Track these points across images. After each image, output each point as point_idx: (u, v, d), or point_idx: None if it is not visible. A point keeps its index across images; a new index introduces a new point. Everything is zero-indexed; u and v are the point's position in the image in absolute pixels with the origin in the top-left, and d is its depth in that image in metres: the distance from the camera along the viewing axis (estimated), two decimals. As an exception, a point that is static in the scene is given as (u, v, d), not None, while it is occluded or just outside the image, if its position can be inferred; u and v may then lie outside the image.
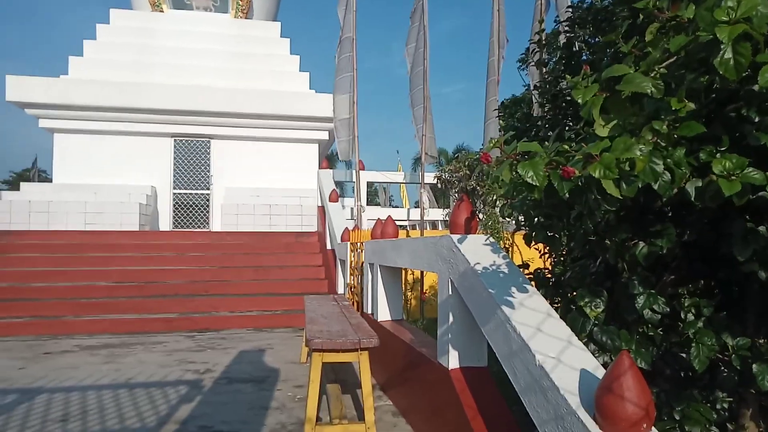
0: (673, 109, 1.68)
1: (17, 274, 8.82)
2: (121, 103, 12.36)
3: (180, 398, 4.38)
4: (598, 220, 2.22)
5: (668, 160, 1.69)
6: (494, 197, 6.99)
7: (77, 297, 8.38)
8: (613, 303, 2.33)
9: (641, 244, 2.14)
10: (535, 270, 2.98)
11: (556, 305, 2.73)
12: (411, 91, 9.64)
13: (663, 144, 1.69)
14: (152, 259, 9.74)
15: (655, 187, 1.68)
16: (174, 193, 13.19)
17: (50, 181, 13.51)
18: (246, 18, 14.98)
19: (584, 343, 2.13)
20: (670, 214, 2.24)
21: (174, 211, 13.19)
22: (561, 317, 2.25)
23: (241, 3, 14.79)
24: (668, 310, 2.15)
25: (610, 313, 2.32)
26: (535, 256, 3.86)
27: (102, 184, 12.41)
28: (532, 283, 2.79)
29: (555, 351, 1.98)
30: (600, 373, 1.81)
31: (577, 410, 1.68)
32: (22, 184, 12.64)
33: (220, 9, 14.88)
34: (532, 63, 4.67)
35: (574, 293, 2.45)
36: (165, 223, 13.02)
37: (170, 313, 8.15)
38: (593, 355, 2.05)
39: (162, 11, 14.35)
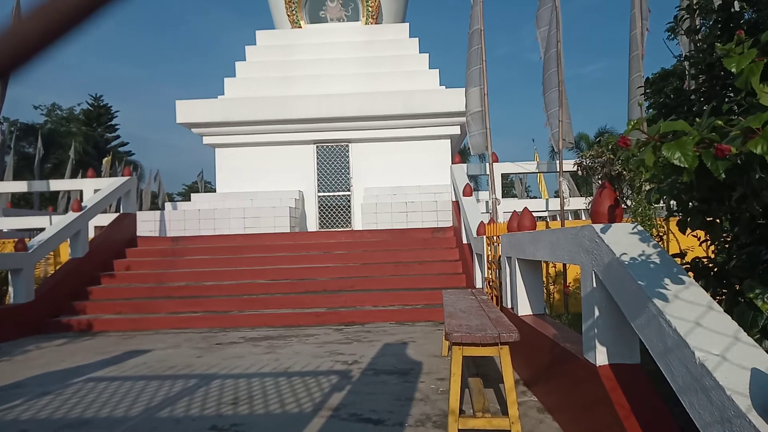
0: None
1: (192, 274, 10.07)
2: (270, 116, 13.53)
3: (331, 387, 4.69)
4: (767, 200, 1.96)
5: None
6: (641, 181, 6.44)
7: (241, 294, 9.34)
8: (791, 294, 2.05)
9: (825, 226, 1.85)
10: (693, 259, 2.71)
11: (719, 298, 2.46)
12: (544, 76, 9.24)
13: None
14: (302, 258, 10.51)
15: (838, 159, 1.45)
16: (318, 196, 14.11)
17: (214, 190, 15.22)
18: (376, 23, 15.48)
19: (756, 340, 1.91)
20: None
21: (319, 213, 14.10)
22: (725, 311, 2.03)
23: (371, 9, 15.32)
24: None
25: (787, 306, 2.04)
26: (694, 244, 3.50)
27: (257, 191, 13.69)
28: (690, 273, 2.55)
29: (719, 347, 1.80)
30: (775, 372, 1.61)
31: (747, 413, 1.51)
32: (192, 195, 14.39)
33: (352, 17, 15.56)
34: (682, 32, 4.23)
35: (742, 284, 2.19)
36: (312, 224, 13.99)
37: (320, 307, 8.73)
38: None
39: (301, 27, 15.40)
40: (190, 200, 14.06)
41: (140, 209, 21.35)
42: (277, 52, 14.98)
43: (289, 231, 12.32)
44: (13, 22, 0.42)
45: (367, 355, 5.96)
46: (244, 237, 11.51)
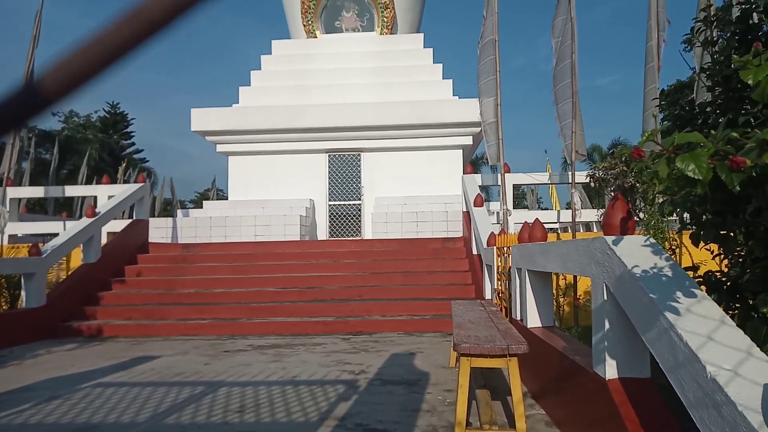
0: None
1: (202, 281, 10.11)
2: (284, 125, 13.62)
3: (338, 396, 4.66)
4: (783, 214, 1.93)
5: None
6: (654, 194, 6.37)
7: (249, 301, 9.36)
8: (807, 310, 2.00)
9: (842, 240, 1.81)
10: (706, 273, 2.67)
11: (732, 312, 2.41)
12: (555, 87, 9.22)
13: None
14: (311, 266, 10.51)
15: None
16: (329, 205, 14.14)
17: (226, 198, 15.32)
18: (391, 33, 15.58)
19: (769, 356, 1.86)
20: None
21: (330, 221, 14.12)
22: (739, 326, 1.99)
23: (386, 19, 15.42)
24: None
25: (802, 322, 2.00)
26: (707, 258, 3.45)
27: (268, 199, 13.75)
28: (702, 287, 2.50)
29: (731, 363, 1.76)
30: (790, 390, 1.57)
31: (759, 429, 1.47)
32: (204, 202, 14.49)
33: (367, 28, 15.67)
34: (698, 43, 4.20)
35: (756, 298, 2.15)
36: (322, 233, 14.01)
37: (328, 316, 8.71)
38: (781, 369, 1.78)
39: (316, 37, 15.54)
40: (202, 207, 14.16)
41: (153, 216, 21.57)
42: (292, 61, 15.11)
43: (299, 239, 12.35)
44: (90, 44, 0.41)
45: (374, 364, 5.92)
46: (255, 245, 11.55)
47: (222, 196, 37.82)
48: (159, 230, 12.50)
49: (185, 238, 12.43)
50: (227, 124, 13.74)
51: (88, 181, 26.17)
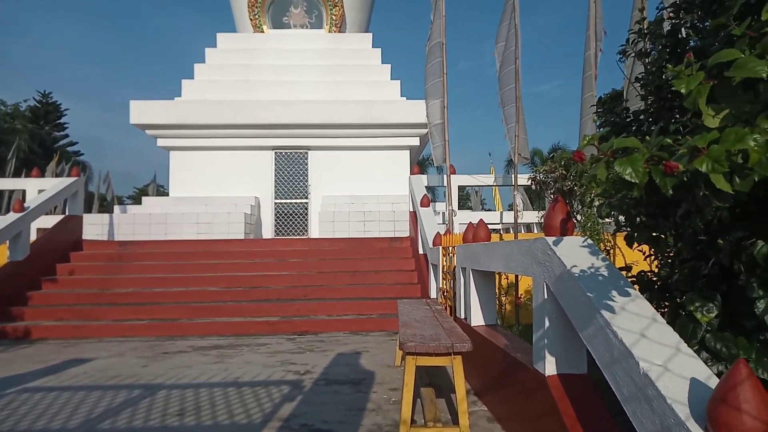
0: (793, 93, 1.53)
1: (140, 281, 9.72)
2: (228, 121, 13.29)
3: (282, 397, 4.59)
4: (709, 218, 2.05)
5: (788, 149, 1.53)
6: (591, 196, 6.65)
7: (191, 301, 9.07)
8: (729, 308, 2.14)
9: (760, 243, 1.95)
10: (639, 273, 2.81)
11: (662, 310, 2.55)
12: (500, 91, 9.47)
13: (782, 132, 1.53)
14: (256, 265, 10.32)
15: (773, 179, 1.53)
16: (275, 203, 13.92)
17: (167, 194, 14.79)
18: (339, 32, 15.51)
19: (695, 351, 1.98)
20: (794, 210, 2.02)
21: (276, 220, 13.90)
22: (668, 323, 2.10)
23: (334, 17, 15.34)
24: (795, 316, 1.94)
25: (724, 319, 2.13)
26: (639, 259, 3.63)
27: (212, 196, 13.38)
28: (636, 286, 2.63)
29: (661, 358, 1.86)
30: (713, 383, 1.67)
31: (686, 421, 1.56)
32: (143, 198, 13.95)
33: (316, 25, 15.53)
34: (632, 54, 4.41)
35: (683, 297, 2.28)
36: (268, 231, 13.77)
37: (273, 316, 8.58)
38: (706, 363, 1.90)
39: (263, 32, 15.25)
40: (140, 204, 13.61)
41: (88, 212, 20.52)
42: (239, 55, 14.77)
43: (243, 238, 12.10)
44: None
45: (319, 364, 5.88)
46: (197, 243, 11.21)
47: (163, 192, 36.51)
48: (94, 227, 11.92)
49: (122, 235, 11.93)
50: (169, 117, 13.26)
51: (17, 174, 24.59)
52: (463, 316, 5.29)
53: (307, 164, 14.06)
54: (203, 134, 13.59)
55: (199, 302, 9.02)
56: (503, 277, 8.50)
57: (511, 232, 11.58)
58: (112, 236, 11.94)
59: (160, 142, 13.78)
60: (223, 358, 6.34)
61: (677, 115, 3.25)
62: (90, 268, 10.19)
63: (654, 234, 2.43)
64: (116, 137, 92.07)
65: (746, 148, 1.44)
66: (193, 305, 8.84)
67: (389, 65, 14.87)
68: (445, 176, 10.39)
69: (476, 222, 5.31)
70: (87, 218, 11.81)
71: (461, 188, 13.94)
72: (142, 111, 13.25)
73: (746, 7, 2.27)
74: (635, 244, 2.54)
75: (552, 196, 9.85)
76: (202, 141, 13.70)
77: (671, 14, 3.63)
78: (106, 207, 28.71)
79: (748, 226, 2.02)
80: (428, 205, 10.19)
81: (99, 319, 8.44)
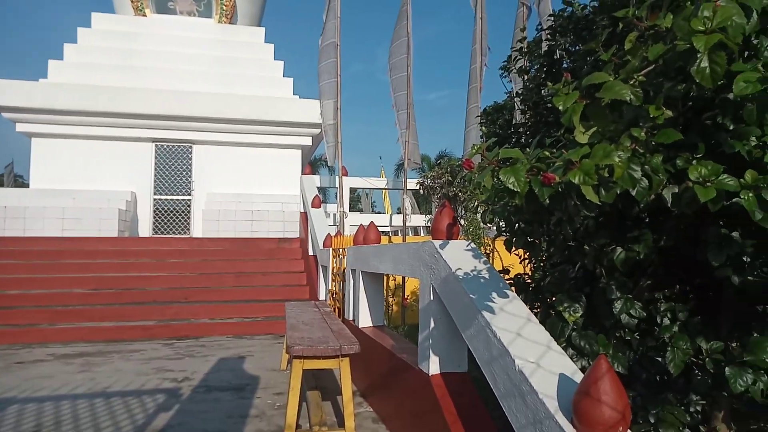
0: (651, 116, 1.71)
1: (-9, 281, 8.61)
2: (101, 108, 12.18)
3: (157, 407, 4.30)
4: (578, 226, 2.24)
5: (646, 166, 1.71)
6: (476, 203, 7.03)
7: (53, 305, 8.20)
8: (592, 308, 2.36)
9: (619, 249, 2.16)
10: (516, 275, 3.00)
11: (536, 310, 2.74)
12: (394, 95, 9.68)
13: (641, 151, 1.71)
14: (131, 265, 9.59)
15: (633, 193, 1.70)
16: (154, 199, 13.02)
17: (27, 186, 13.25)
18: (230, 23, 14.91)
19: (563, 348, 2.15)
20: (647, 220, 2.27)
21: (154, 217, 13.01)
22: (540, 322, 2.27)
23: (225, 8, 14.73)
24: (645, 314, 2.18)
25: (588, 318, 2.34)
26: (515, 262, 3.89)
27: (81, 189, 12.19)
28: (513, 288, 2.80)
29: (534, 356, 1.99)
30: (578, 377, 1.82)
31: (555, 414, 1.68)
32: (-3, 188, 12.37)
33: (204, 14, 14.80)
34: (514, 70, 4.72)
35: (554, 298, 2.47)
36: (145, 229, 12.83)
37: (148, 320, 8.01)
38: (572, 359, 2.07)
39: (145, 15, 14.23)
40: (-7, 195, 12.06)
41: (-76, 202, 17.84)
42: (117, 38, 13.63)
43: (117, 235, 11.17)
44: None
45: (199, 371, 5.60)
46: (62, 240, 10.17)
47: (22, 183, 32.72)
48: (-68, 220, 10.36)
49: (-31, 230, 10.49)
50: (31, 100, 11.87)
51: None
52: (351, 318, 5.32)
53: (191, 159, 13.31)
54: (72, 121, 12.33)
55: (62, 305, 8.17)
56: (391, 278, 8.68)
57: (400, 234, 11.88)
58: (-44, 231, 10.47)
59: (20, 127, 12.29)
60: (89, 366, 5.80)
61: (552, 130, 3.53)
62: (-75, 268, 8.84)
63: (529, 239, 2.61)
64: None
65: (612, 164, 1.59)
66: (55, 309, 8.00)
67: (282, 62, 14.56)
68: (336, 177, 10.40)
69: (367, 224, 5.37)
70: (-77, 210, 10.24)
71: (352, 190, 14.04)
72: (-2, 91, 11.74)
73: (612, 35, 2.52)
74: (513, 249, 2.71)
75: (438, 201, 10.27)
76: (72, 128, 12.43)
77: (549, 36, 3.94)
78: (-52, 197, 25.14)
79: (609, 234, 2.23)
80: (319, 206, 10.13)
81: (-65, 326, 7.34)
